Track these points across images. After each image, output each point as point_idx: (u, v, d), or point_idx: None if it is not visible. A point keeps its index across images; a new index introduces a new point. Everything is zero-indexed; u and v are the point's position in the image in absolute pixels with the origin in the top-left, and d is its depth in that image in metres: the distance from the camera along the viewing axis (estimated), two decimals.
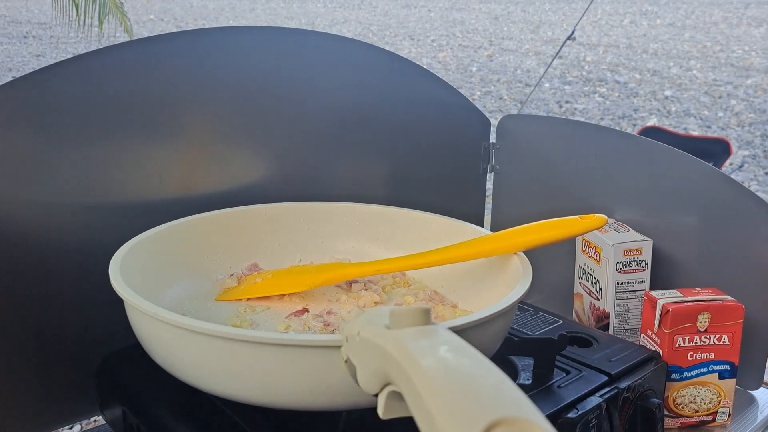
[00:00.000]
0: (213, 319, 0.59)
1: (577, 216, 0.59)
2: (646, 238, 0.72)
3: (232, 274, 0.65)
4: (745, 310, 0.62)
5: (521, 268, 0.56)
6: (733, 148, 3.32)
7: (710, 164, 0.72)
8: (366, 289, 0.64)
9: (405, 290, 0.65)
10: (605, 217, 0.59)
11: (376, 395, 0.36)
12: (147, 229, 0.62)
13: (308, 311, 0.60)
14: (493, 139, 0.92)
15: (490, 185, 0.95)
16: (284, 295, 0.62)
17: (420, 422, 0.28)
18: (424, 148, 0.88)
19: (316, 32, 0.76)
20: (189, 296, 0.61)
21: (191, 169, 0.70)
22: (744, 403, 0.67)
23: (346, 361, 0.39)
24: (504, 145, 0.91)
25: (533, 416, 0.24)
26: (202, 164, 0.71)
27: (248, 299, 0.62)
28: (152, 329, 0.48)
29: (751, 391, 0.68)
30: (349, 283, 0.64)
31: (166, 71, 0.66)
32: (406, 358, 0.30)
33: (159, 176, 0.67)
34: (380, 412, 0.35)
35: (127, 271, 0.53)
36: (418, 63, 0.86)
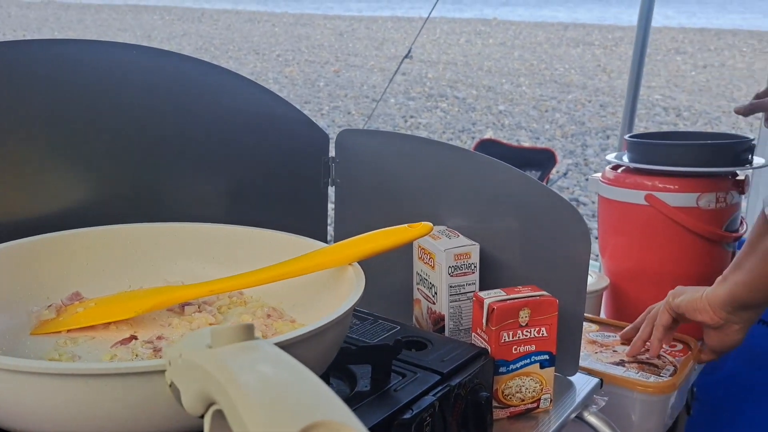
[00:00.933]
0: (27, 355, 0.54)
1: (406, 225, 0.61)
2: (474, 242, 0.77)
3: (50, 305, 0.60)
4: (559, 303, 0.68)
5: (355, 279, 0.58)
6: (559, 157, 3.66)
7: (529, 174, 0.79)
8: (200, 311, 0.62)
9: (242, 309, 0.64)
10: (430, 224, 0.62)
11: (203, 417, 0.36)
12: None
13: (136, 338, 0.57)
14: (332, 153, 0.94)
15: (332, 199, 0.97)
16: (110, 323, 0.59)
17: None
18: (263, 164, 0.88)
19: (145, 47, 0.74)
20: None
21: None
22: (563, 389, 0.73)
23: (170, 385, 0.38)
24: (343, 159, 0.93)
25: (345, 418, 0.25)
26: (12, 186, 0.65)
27: (69, 330, 0.58)
28: None
29: (569, 377, 0.75)
30: (182, 306, 0.62)
31: None
32: (223, 375, 0.30)
33: None
34: None
35: None
36: (259, 79, 0.85)
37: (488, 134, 5.27)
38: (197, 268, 0.69)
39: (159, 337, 0.56)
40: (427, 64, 8.91)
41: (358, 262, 0.61)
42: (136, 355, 0.53)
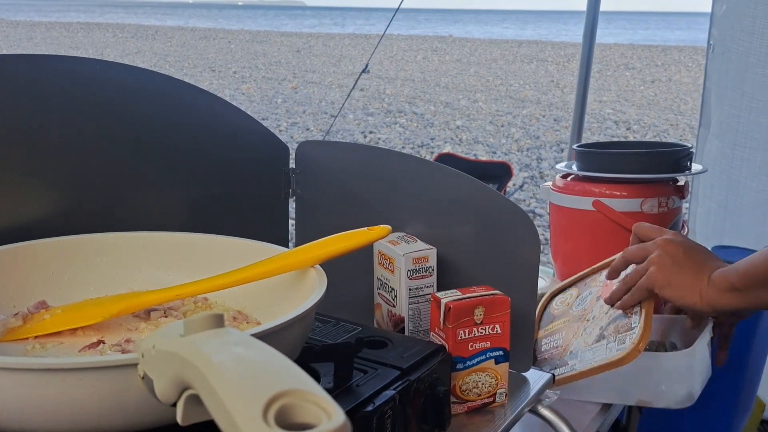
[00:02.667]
0: None
1: (365, 228, 0.64)
2: (431, 246, 0.81)
3: (16, 314, 0.61)
4: (511, 303, 0.71)
5: (317, 280, 0.60)
6: (515, 170, 3.75)
7: (485, 183, 0.83)
8: (166, 316, 0.63)
9: None
10: (389, 227, 0.65)
11: (175, 405, 0.38)
12: None
13: (104, 342, 0.58)
14: (293, 164, 0.96)
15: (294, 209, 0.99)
16: (77, 329, 0.60)
17: (215, 413, 0.30)
18: (224, 176, 0.89)
19: (107, 62, 0.75)
20: None
21: None
22: (518, 384, 0.77)
23: (143, 378, 0.40)
24: (304, 170, 0.95)
25: (310, 387, 0.27)
26: None
27: (36, 337, 0.58)
28: None
29: (522, 373, 0.79)
30: (148, 312, 0.64)
31: None
32: (198, 358, 0.32)
33: None
34: (179, 419, 0.36)
35: None
36: (217, 93, 0.88)
37: (447, 149, 5.37)
38: (160, 276, 0.70)
39: (127, 341, 0.58)
40: (385, 80, 9.02)
41: (320, 266, 0.64)
42: None
